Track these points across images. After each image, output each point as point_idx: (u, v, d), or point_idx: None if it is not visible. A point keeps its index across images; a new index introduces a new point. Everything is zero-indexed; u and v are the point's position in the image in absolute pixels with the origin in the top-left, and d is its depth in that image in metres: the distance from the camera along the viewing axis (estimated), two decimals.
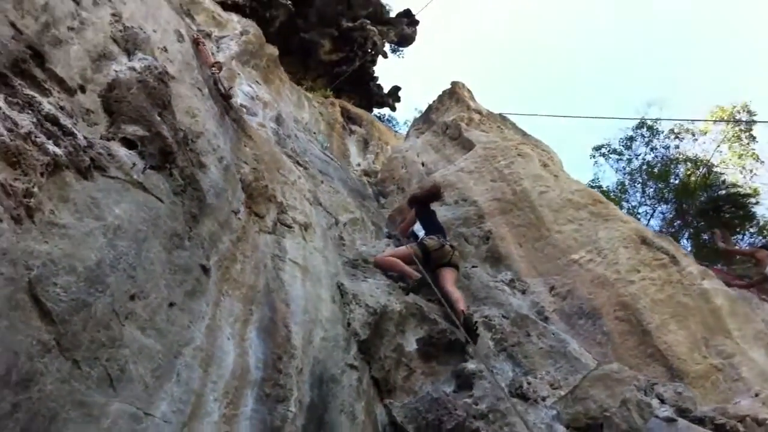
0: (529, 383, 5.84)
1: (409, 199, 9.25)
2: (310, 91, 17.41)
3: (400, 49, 26.21)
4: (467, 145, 10.60)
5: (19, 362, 2.50)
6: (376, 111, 24.03)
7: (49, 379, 2.65)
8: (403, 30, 23.48)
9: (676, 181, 23.66)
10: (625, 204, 24.30)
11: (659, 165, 24.40)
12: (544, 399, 5.68)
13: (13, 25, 3.58)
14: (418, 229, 8.34)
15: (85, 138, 3.71)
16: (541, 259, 8.04)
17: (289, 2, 17.09)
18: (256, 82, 11.54)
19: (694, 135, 24.77)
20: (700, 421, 4.86)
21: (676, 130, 24.61)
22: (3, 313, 2.52)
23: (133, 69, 4.60)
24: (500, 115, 12.85)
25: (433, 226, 8.37)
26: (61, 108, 3.74)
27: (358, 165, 14.76)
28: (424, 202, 8.84)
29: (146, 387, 3.29)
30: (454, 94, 13.17)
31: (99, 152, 3.77)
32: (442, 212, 9.07)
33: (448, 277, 7.52)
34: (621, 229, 7.82)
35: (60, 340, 2.80)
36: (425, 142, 11.96)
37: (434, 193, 9.01)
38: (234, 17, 13.69)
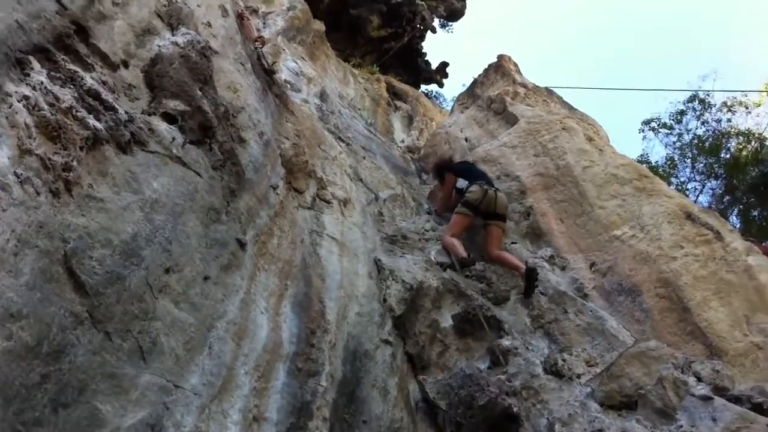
0: (564, 360, 5.80)
1: (437, 170, 9.24)
2: (358, 67, 17.35)
3: (450, 24, 25.84)
4: (511, 120, 10.40)
5: (50, 334, 2.57)
6: (424, 87, 23.82)
7: (80, 350, 2.72)
8: (452, 4, 23.17)
9: (727, 156, 23.05)
10: (674, 179, 23.78)
11: (710, 139, 23.77)
12: (579, 376, 5.63)
13: (57, 0, 3.63)
14: (461, 183, 8.30)
15: (126, 113, 3.77)
16: (582, 235, 7.93)
17: None
18: (302, 58, 11.52)
19: (747, 108, 23.99)
20: (737, 399, 4.79)
21: (729, 103, 23.90)
22: (36, 285, 2.58)
23: (175, 44, 4.63)
24: (546, 88, 12.58)
25: (472, 173, 8.44)
26: (104, 83, 3.78)
27: (402, 141, 14.67)
28: (447, 164, 9.00)
29: (177, 360, 3.35)
30: (500, 67, 12.93)
31: (139, 127, 3.83)
32: None
33: (495, 237, 7.63)
34: (665, 204, 7.65)
35: (93, 313, 2.87)
36: (469, 117, 11.80)
37: (447, 158, 9.46)
38: None
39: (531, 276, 6.74)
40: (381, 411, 5.03)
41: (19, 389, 2.35)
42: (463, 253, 7.13)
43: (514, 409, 5.17)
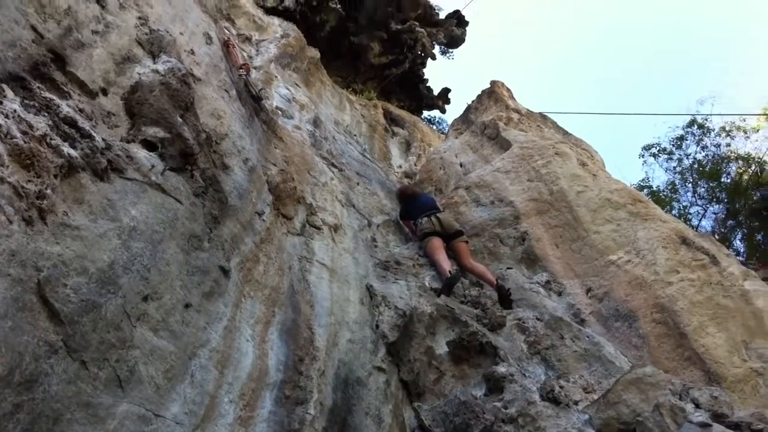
0: (561, 387, 5.72)
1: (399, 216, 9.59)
2: (360, 94, 17.40)
3: (450, 50, 25.98)
4: (505, 145, 10.39)
5: (23, 363, 2.51)
6: (426, 113, 23.92)
7: (54, 379, 2.66)
8: (452, 31, 23.24)
9: (728, 180, 23.10)
10: (676, 204, 23.86)
11: (710, 164, 23.86)
12: (576, 403, 5.56)
13: (34, 29, 3.60)
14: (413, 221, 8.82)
15: (103, 140, 3.73)
16: (578, 260, 7.89)
17: (339, 6, 17.06)
18: (295, 84, 11.52)
19: (746, 132, 24.11)
20: (736, 426, 4.70)
21: (727, 128, 24.05)
22: (8, 314, 2.53)
23: (156, 71, 4.61)
24: (540, 114, 12.60)
25: (415, 210, 8.88)
26: (80, 110, 3.75)
27: (400, 167, 14.67)
28: (405, 200, 9.46)
29: (157, 388, 3.29)
30: (492, 93, 12.95)
31: (117, 154, 3.79)
32: (477, 213, 9.01)
33: (463, 251, 8.13)
34: (660, 228, 7.62)
35: (68, 341, 2.81)
36: (463, 142, 11.81)
37: (404, 194, 9.69)
38: (275, 21, 13.67)
39: (502, 292, 7.16)
40: None
41: None
42: (447, 273, 7.16)
43: None
